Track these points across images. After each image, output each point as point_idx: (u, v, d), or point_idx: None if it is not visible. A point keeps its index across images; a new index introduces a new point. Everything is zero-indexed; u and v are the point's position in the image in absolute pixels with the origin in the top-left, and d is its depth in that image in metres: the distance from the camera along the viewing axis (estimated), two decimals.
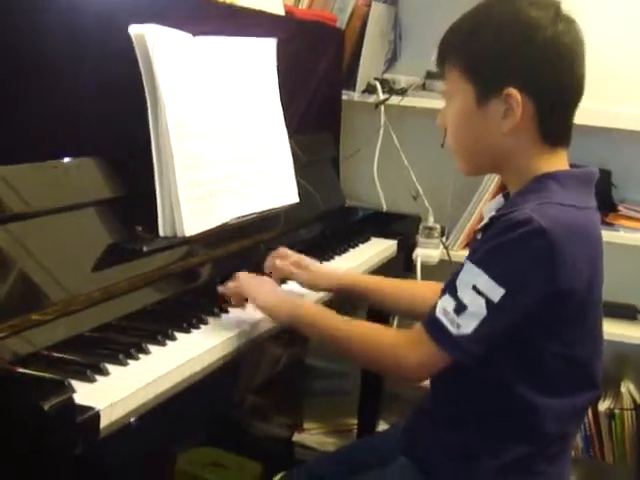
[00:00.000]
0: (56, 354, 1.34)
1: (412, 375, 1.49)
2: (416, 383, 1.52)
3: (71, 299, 1.44)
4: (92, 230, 1.55)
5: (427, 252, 2.61)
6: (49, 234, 1.45)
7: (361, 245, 2.40)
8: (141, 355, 1.37)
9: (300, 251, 2.00)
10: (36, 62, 1.47)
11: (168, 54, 1.68)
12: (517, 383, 1.42)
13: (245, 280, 1.67)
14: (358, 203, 2.75)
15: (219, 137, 1.87)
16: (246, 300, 1.65)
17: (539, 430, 1.45)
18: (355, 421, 2.77)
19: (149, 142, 1.66)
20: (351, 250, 2.32)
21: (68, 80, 1.54)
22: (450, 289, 1.41)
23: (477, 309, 1.36)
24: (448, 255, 2.69)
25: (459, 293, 1.38)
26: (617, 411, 2.68)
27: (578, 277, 1.38)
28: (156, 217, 1.66)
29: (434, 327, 1.40)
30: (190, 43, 1.80)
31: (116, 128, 1.64)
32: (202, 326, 1.55)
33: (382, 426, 2.80)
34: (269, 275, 1.81)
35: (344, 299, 1.88)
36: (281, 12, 2.47)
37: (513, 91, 1.41)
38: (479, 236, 1.48)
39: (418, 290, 1.84)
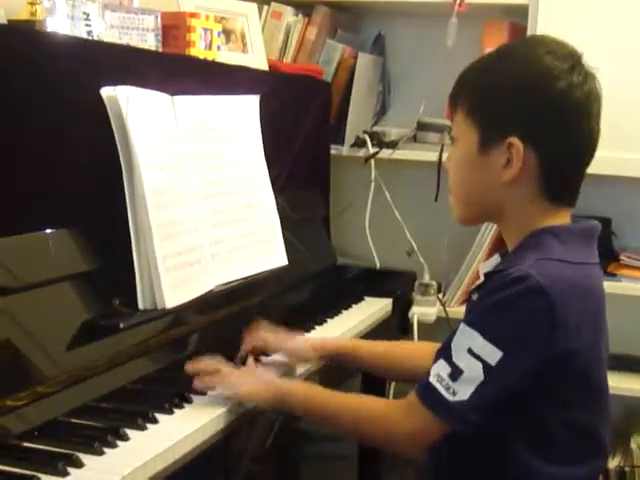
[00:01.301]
0: (27, 444, 1.24)
1: (406, 447, 1.40)
2: (412, 455, 1.42)
3: (45, 381, 1.34)
4: (66, 306, 1.46)
5: (424, 310, 2.52)
6: (20, 311, 1.36)
7: (354, 306, 2.31)
8: (119, 442, 1.27)
9: (291, 315, 1.92)
10: (4, 130, 1.39)
11: (143, 116, 1.60)
12: (520, 451, 1.34)
13: (224, 365, 1.54)
14: (350, 261, 2.66)
15: (201, 201, 1.79)
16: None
17: None
18: None
19: (126, 210, 1.57)
20: (344, 312, 2.23)
21: (38, 148, 1.46)
22: (444, 354, 1.33)
23: (474, 374, 1.29)
24: (445, 312, 2.60)
25: (454, 358, 1.31)
26: (627, 469, 2.57)
27: (580, 337, 1.31)
28: (134, 289, 1.56)
29: (428, 394, 1.33)
30: (167, 103, 1.73)
31: (91, 197, 1.56)
32: (186, 405, 1.45)
33: None
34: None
35: (335, 365, 1.80)
36: (265, 67, 2.41)
37: (516, 141, 1.34)
38: (474, 297, 1.40)
39: (410, 352, 1.75)
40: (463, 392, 1.29)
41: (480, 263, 2.67)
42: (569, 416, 1.34)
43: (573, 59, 1.37)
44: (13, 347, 1.32)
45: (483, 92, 1.39)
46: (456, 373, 1.30)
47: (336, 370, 1.80)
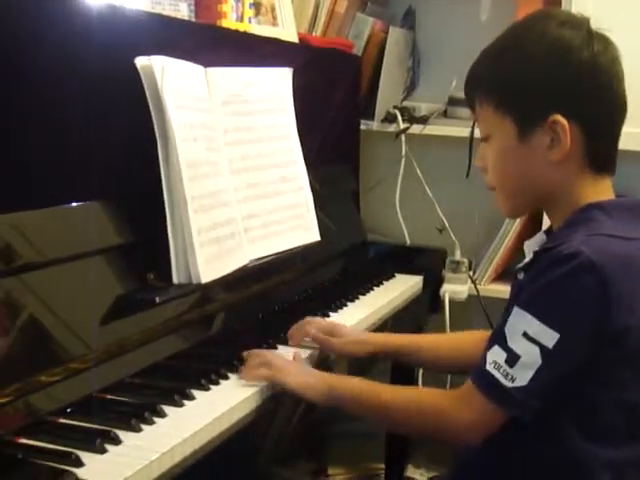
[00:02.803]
0: (63, 420, 1.22)
1: (466, 437, 1.35)
2: (472, 444, 1.37)
3: (79, 357, 1.31)
4: (100, 280, 1.43)
5: (455, 288, 2.48)
6: (54, 285, 1.33)
7: (385, 283, 2.28)
8: (156, 419, 1.25)
9: (322, 292, 1.89)
10: (37, 102, 1.35)
11: (178, 87, 1.56)
12: (571, 433, 1.30)
13: (274, 357, 1.51)
14: (380, 237, 2.62)
15: (235, 175, 1.75)
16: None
17: None
18: (382, 465, 2.64)
19: (160, 183, 1.54)
20: (375, 289, 2.20)
21: (72, 121, 1.42)
22: (499, 339, 1.30)
23: (531, 358, 1.26)
24: (477, 290, 2.56)
25: (509, 342, 1.28)
26: None
27: (633, 314, 1.28)
28: (169, 263, 1.54)
29: (485, 382, 1.30)
30: (202, 75, 1.69)
31: (124, 169, 1.53)
32: (222, 382, 1.42)
33: (410, 470, 2.67)
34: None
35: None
36: (295, 40, 2.37)
37: (558, 117, 1.32)
38: (521, 276, 1.37)
39: (457, 342, 1.72)
40: (522, 378, 1.26)
41: (511, 240, 2.64)
42: (622, 396, 1.31)
43: (586, 26, 1.35)
44: (46, 322, 1.29)
45: (508, 80, 1.36)
46: (513, 358, 1.27)
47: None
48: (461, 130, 2.58)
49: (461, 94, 2.63)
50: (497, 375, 1.28)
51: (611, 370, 1.30)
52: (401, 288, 2.26)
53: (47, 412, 1.22)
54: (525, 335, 1.26)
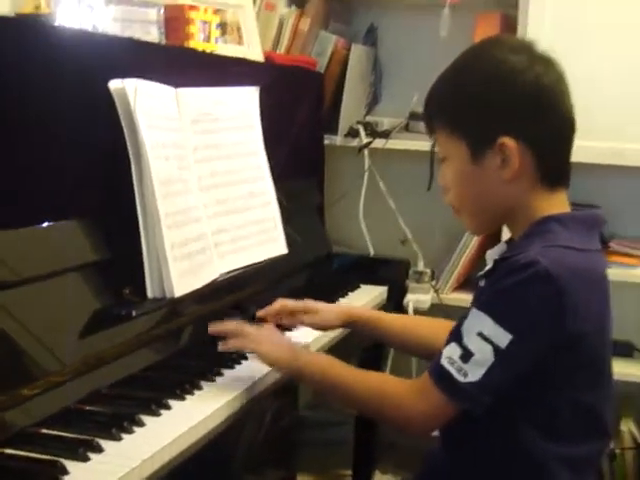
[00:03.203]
0: (45, 431, 1.27)
1: (419, 426, 1.43)
2: (424, 435, 1.45)
3: (58, 370, 1.36)
4: (77, 296, 1.48)
5: (418, 297, 2.56)
6: (32, 302, 1.38)
7: (351, 294, 2.34)
8: (135, 428, 1.30)
9: None
10: (12, 124, 1.41)
11: (150, 108, 1.62)
12: (529, 431, 1.37)
13: (247, 331, 1.59)
14: (345, 249, 2.69)
15: (204, 191, 1.81)
16: None
17: None
18: (350, 472, 2.69)
19: (133, 201, 1.59)
20: (341, 299, 2.26)
21: (46, 140, 1.48)
22: (456, 337, 1.37)
23: (484, 356, 1.32)
24: (439, 299, 2.64)
25: (465, 340, 1.35)
26: (618, 451, 2.63)
27: (587, 321, 1.35)
28: (143, 278, 1.59)
29: (440, 376, 1.36)
30: (172, 95, 1.75)
31: (98, 188, 1.58)
32: (196, 392, 1.47)
33: (377, 476, 2.73)
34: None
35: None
36: (260, 58, 2.44)
37: (506, 139, 1.39)
38: (482, 283, 1.45)
39: (427, 329, 1.77)
40: (474, 374, 1.32)
41: (471, 251, 2.72)
42: (576, 398, 1.38)
43: (528, 50, 1.42)
44: (26, 337, 1.34)
45: (459, 106, 1.43)
46: (467, 355, 1.33)
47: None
48: (422, 144, 2.65)
49: (422, 109, 2.73)
50: (451, 370, 1.34)
51: (567, 375, 1.36)
52: (366, 298, 2.32)
53: (30, 424, 1.27)
54: (480, 334, 1.33)
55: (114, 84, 1.56)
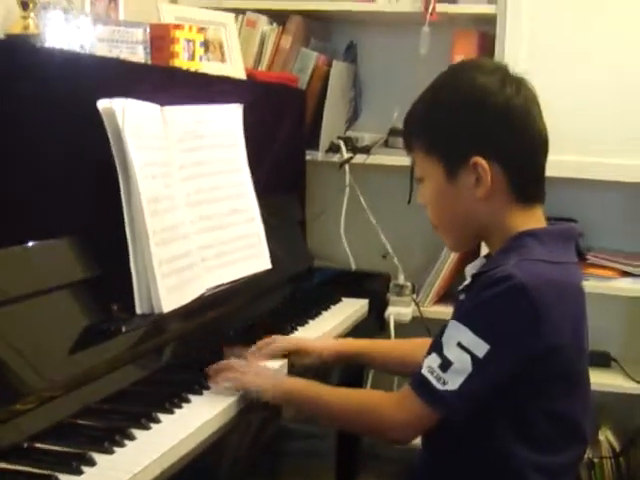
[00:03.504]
0: (39, 445, 1.29)
1: (400, 435, 1.47)
2: (405, 443, 1.49)
3: (50, 385, 1.39)
4: (68, 313, 1.51)
5: (399, 310, 2.59)
6: (24, 320, 1.40)
7: (333, 307, 2.37)
8: (126, 441, 1.33)
9: (273, 317, 2.02)
10: (1, 143, 1.43)
11: (138, 127, 1.65)
12: (506, 439, 1.41)
13: (236, 363, 1.64)
14: (327, 264, 2.72)
15: (190, 208, 1.84)
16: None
17: None
18: None
19: (121, 218, 1.62)
20: (324, 313, 2.29)
21: (35, 159, 1.50)
22: (436, 347, 1.41)
23: (463, 365, 1.36)
24: (420, 312, 2.68)
25: (444, 350, 1.39)
26: (596, 460, 2.67)
27: (562, 333, 1.39)
28: (131, 295, 1.62)
29: (420, 384, 1.41)
30: (158, 114, 1.78)
31: (87, 206, 1.61)
32: (185, 405, 1.50)
33: None
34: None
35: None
36: (243, 76, 2.47)
37: (479, 159, 1.44)
38: (462, 297, 1.49)
39: (407, 348, 1.83)
40: (453, 382, 1.37)
41: (451, 264, 2.76)
42: (552, 407, 1.42)
43: (501, 72, 1.48)
44: (18, 354, 1.36)
45: (434, 127, 1.49)
46: (446, 364, 1.38)
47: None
48: (402, 159, 2.66)
49: (402, 125, 2.77)
50: (430, 378, 1.39)
51: (543, 385, 1.41)
52: (348, 312, 2.35)
53: (23, 438, 1.29)
54: (459, 344, 1.37)
55: (102, 104, 1.59)
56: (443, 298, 2.80)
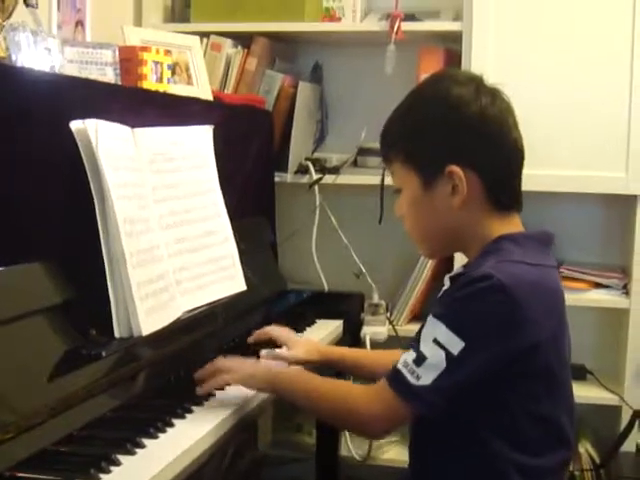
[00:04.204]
0: (22, 474, 1.25)
1: (372, 427, 1.49)
2: (378, 437, 1.59)
3: (30, 413, 1.34)
4: (44, 338, 1.47)
5: (375, 329, 2.58)
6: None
7: (308, 329, 2.34)
8: (112, 467, 1.29)
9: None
10: None
11: (111, 148, 1.62)
12: (490, 439, 1.42)
13: (220, 360, 1.68)
14: (299, 286, 2.69)
15: (164, 230, 1.81)
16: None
17: None
18: None
19: (94, 240, 1.59)
20: (299, 335, 2.26)
21: (6, 180, 1.47)
22: (413, 344, 1.43)
23: (436, 361, 1.37)
24: (395, 331, 2.66)
25: (421, 346, 1.40)
26: (577, 472, 2.66)
27: (540, 333, 1.40)
28: (109, 318, 1.58)
29: (394, 378, 1.42)
30: (129, 136, 1.75)
31: (60, 229, 1.58)
32: (168, 429, 1.46)
33: None
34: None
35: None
36: (210, 98, 2.45)
37: (454, 168, 1.45)
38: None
39: (382, 358, 1.85)
40: (426, 377, 1.38)
41: (425, 281, 2.74)
42: (533, 408, 1.42)
43: (475, 83, 1.50)
44: None
45: (410, 138, 1.50)
46: (421, 359, 1.39)
47: None
48: (372, 178, 2.69)
49: (370, 144, 2.77)
50: (404, 372, 1.40)
51: (520, 383, 1.41)
52: (323, 333, 2.32)
53: (4, 468, 1.24)
54: (435, 340, 1.38)
55: (75, 124, 1.56)
56: (418, 316, 2.78)
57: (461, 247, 1.55)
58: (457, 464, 1.46)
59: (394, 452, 2.78)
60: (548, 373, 1.44)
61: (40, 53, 1.63)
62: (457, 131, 1.46)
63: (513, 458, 1.42)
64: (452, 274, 1.51)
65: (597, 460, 2.69)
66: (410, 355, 1.41)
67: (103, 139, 1.59)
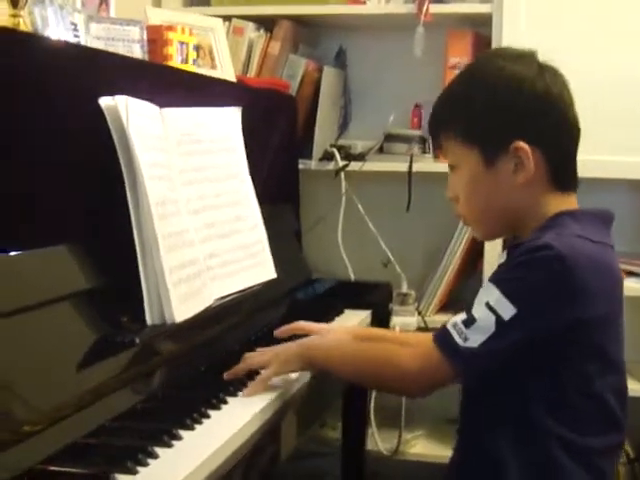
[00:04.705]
0: (54, 468, 1.17)
1: (414, 385, 1.47)
2: (418, 396, 1.53)
3: (60, 405, 1.27)
4: (73, 325, 1.40)
5: (404, 320, 2.50)
6: (26, 334, 1.29)
7: (337, 319, 2.27)
8: (150, 460, 1.21)
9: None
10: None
11: (141, 127, 1.55)
12: (541, 414, 1.40)
13: (250, 357, 1.60)
14: (325, 275, 2.62)
15: (194, 214, 1.74)
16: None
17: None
18: None
19: (124, 222, 1.52)
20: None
21: (34, 159, 1.40)
22: (467, 307, 1.41)
23: (486, 324, 1.36)
24: (424, 322, 2.59)
25: (473, 309, 1.39)
26: None
27: (595, 309, 1.37)
28: (141, 304, 1.51)
29: (442, 338, 1.41)
30: (158, 115, 1.68)
31: (87, 209, 1.51)
32: (205, 421, 1.39)
33: None
34: None
35: None
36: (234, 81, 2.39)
37: (521, 144, 1.42)
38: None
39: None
40: (474, 339, 1.36)
41: (453, 271, 2.67)
42: (584, 386, 1.40)
43: (535, 60, 1.49)
44: (22, 371, 1.25)
45: (471, 114, 1.47)
46: (470, 321, 1.37)
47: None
48: (399, 165, 2.62)
49: (397, 130, 2.70)
50: (452, 332, 1.38)
51: (572, 359, 1.39)
52: (351, 323, 2.26)
53: (35, 462, 1.17)
54: (487, 304, 1.36)
55: (105, 101, 1.49)
56: (446, 306, 2.71)
57: (519, 227, 1.50)
58: (504, 434, 1.43)
59: (421, 446, 2.72)
60: (601, 352, 1.41)
61: (66, 28, 1.56)
62: (523, 106, 1.44)
63: (559, 433, 1.39)
64: (510, 245, 1.48)
65: (631, 454, 2.63)
66: (460, 316, 1.40)
67: (133, 117, 1.52)
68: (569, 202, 1.48)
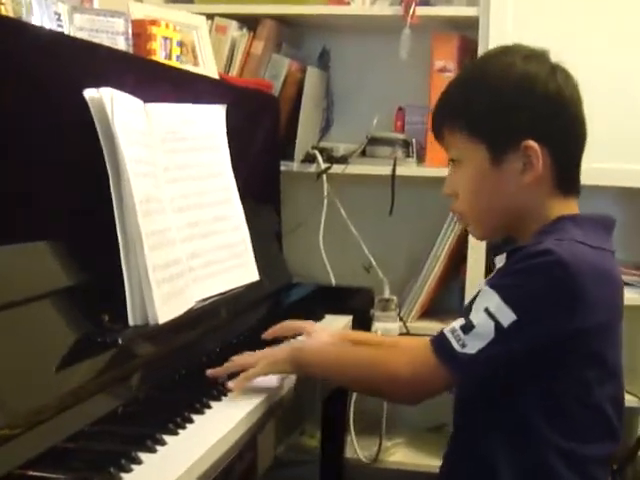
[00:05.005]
0: (33, 473, 1.12)
1: (408, 389, 1.42)
2: (412, 402, 1.47)
3: (38, 407, 1.22)
4: (53, 324, 1.35)
5: (386, 326, 2.46)
6: (2, 333, 1.23)
7: (317, 324, 2.23)
8: (133, 466, 1.16)
9: (256, 336, 1.85)
10: None
11: (126, 121, 1.50)
12: (537, 422, 1.37)
13: (238, 358, 1.56)
14: (305, 279, 2.57)
15: (177, 213, 1.69)
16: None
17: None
18: None
19: (107, 218, 1.47)
20: None
21: (20, 155, 1.35)
22: (465, 312, 1.38)
23: (485, 331, 1.33)
24: (406, 328, 2.55)
25: (471, 314, 1.36)
26: None
27: (595, 317, 1.34)
28: (122, 303, 1.46)
29: (439, 343, 1.37)
30: (142, 110, 1.63)
31: (70, 205, 1.45)
32: (188, 425, 1.34)
33: None
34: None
35: None
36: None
37: (531, 143, 1.39)
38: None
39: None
40: (472, 346, 1.33)
41: (436, 276, 2.64)
42: (582, 394, 1.37)
43: (548, 61, 1.46)
44: (3, 372, 1.20)
45: (481, 109, 1.43)
46: (469, 327, 1.34)
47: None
48: (382, 169, 2.59)
49: (381, 133, 2.66)
50: (450, 337, 1.35)
51: (571, 367, 1.36)
52: (332, 329, 2.21)
53: (13, 467, 1.12)
54: (486, 310, 1.33)
55: (89, 93, 1.44)
56: (428, 312, 2.68)
57: (518, 228, 1.47)
58: (500, 440, 1.40)
59: (402, 454, 2.67)
60: (600, 360, 1.39)
61: (50, 18, 1.51)
62: (535, 105, 1.41)
63: (555, 441, 1.36)
64: (509, 249, 1.44)
65: (613, 465, 2.59)
66: (459, 322, 1.36)
67: (118, 110, 1.47)
68: (571, 207, 1.45)
